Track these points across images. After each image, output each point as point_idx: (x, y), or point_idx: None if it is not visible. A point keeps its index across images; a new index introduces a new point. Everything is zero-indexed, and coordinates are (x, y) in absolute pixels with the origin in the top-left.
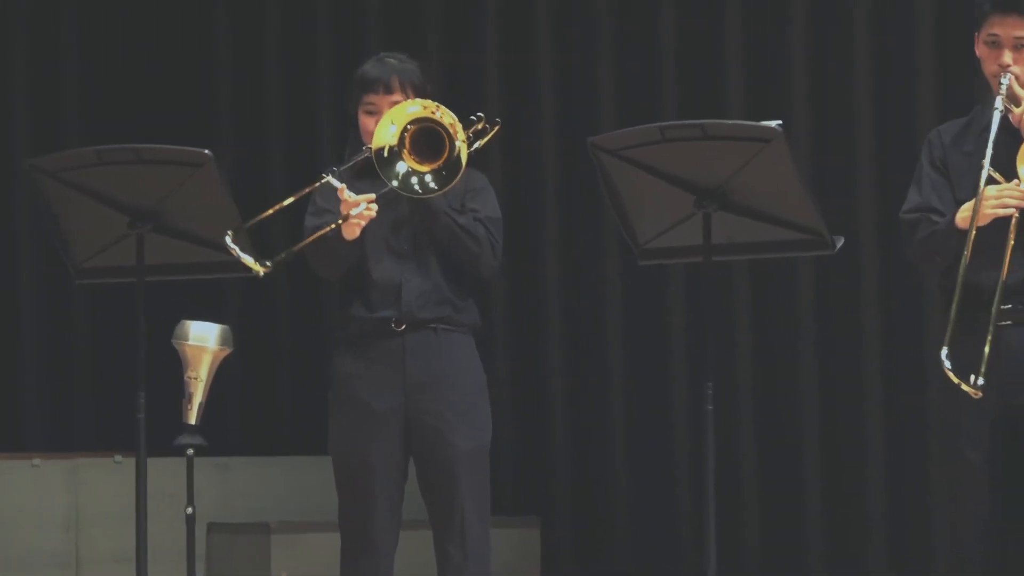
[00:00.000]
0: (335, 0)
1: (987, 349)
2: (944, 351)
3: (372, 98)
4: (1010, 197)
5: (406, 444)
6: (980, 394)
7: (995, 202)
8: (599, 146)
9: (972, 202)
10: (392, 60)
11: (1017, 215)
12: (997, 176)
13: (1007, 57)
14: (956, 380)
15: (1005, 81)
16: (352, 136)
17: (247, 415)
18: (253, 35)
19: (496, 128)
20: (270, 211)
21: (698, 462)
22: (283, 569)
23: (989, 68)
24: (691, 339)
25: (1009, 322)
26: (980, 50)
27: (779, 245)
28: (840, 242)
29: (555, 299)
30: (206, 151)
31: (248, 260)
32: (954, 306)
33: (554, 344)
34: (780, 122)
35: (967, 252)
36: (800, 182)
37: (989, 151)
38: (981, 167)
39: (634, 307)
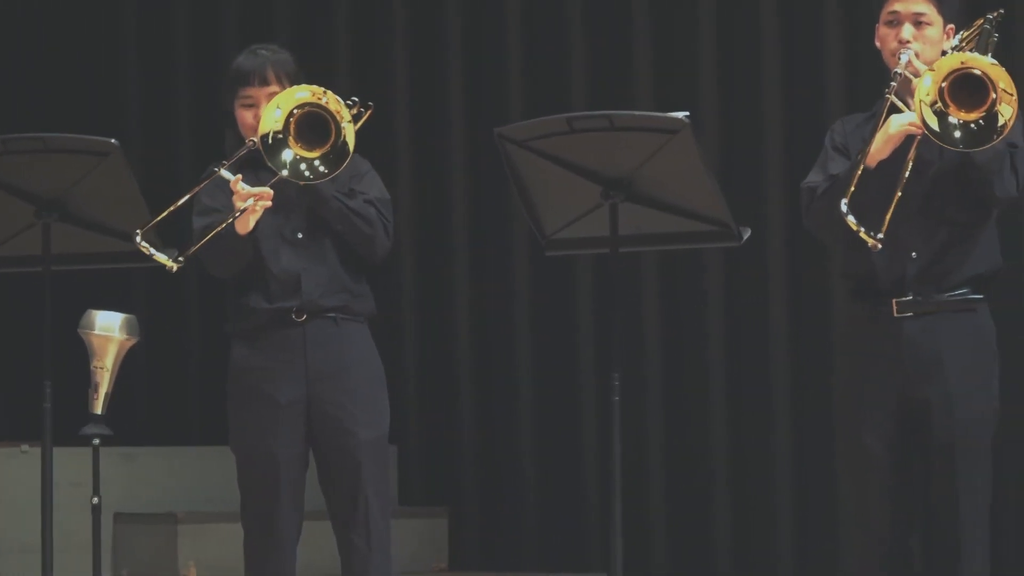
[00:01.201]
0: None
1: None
2: (844, 203)
3: (249, 91)
4: (912, 124)
5: (308, 435)
6: (880, 246)
7: (901, 122)
8: (506, 136)
9: (880, 137)
10: (265, 51)
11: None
12: (901, 106)
13: (906, 32)
14: (856, 227)
15: (905, 57)
16: (230, 131)
17: (153, 405)
18: (161, 31)
19: (369, 111)
20: (169, 209)
21: (605, 453)
22: (190, 559)
23: (889, 46)
24: (598, 330)
25: (910, 314)
26: (881, 31)
27: (686, 236)
28: (747, 233)
29: (463, 290)
30: (112, 140)
31: (161, 257)
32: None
33: (462, 335)
34: (687, 113)
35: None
36: (707, 173)
37: (893, 84)
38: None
39: (541, 298)
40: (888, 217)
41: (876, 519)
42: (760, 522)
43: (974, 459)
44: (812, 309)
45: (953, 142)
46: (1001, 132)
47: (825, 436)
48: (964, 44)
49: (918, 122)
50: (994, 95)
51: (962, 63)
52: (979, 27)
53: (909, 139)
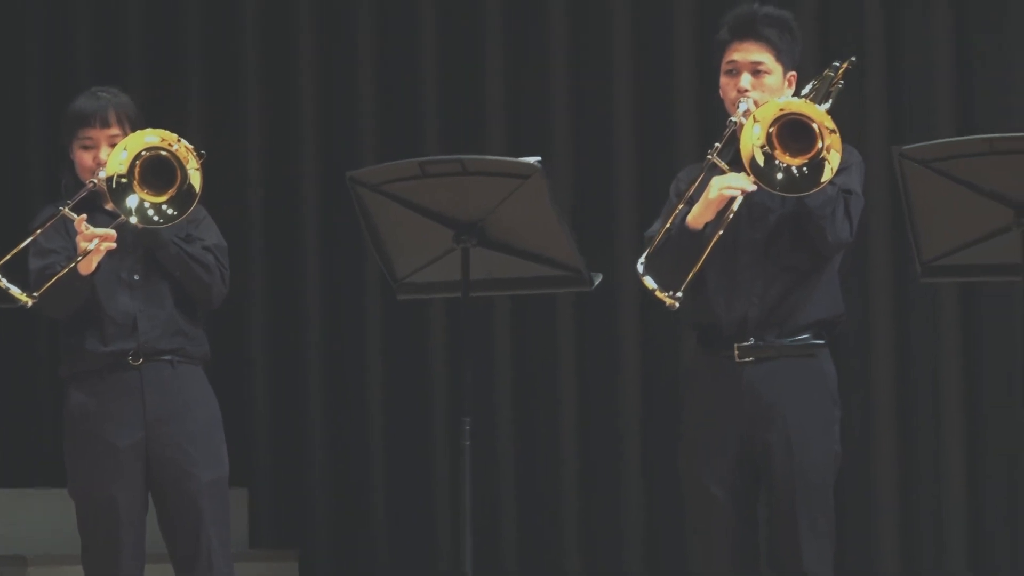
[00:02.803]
0: (94, 27)
1: None
2: (640, 263)
3: (89, 132)
4: (735, 181)
5: (147, 478)
6: (678, 304)
7: (720, 186)
8: (358, 180)
9: (702, 201)
10: (106, 94)
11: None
12: (723, 166)
13: (744, 81)
14: (651, 287)
15: (743, 106)
16: (67, 172)
17: (2, 445)
18: (13, 68)
19: (202, 159)
20: (17, 249)
21: (457, 496)
22: None
23: (729, 96)
24: (451, 374)
25: (751, 359)
26: (722, 81)
27: (538, 281)
28: (598, 279)
29: (315, 333)
30: None
31: (15, 291)
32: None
33: (314, 377)
34: (539, 158)
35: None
36: (559, 218)
37: (717, 145)
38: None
39: (394, 341)
40: (689, 278)
41: (720, 562)
42: (609, 565)
43: (816, 503)
44: (662, 354)
45: (773, 184)
46: (819, 182)
47: (674, 480)
48: (811, 92)
49: (737, 184)
50: (821, 143)
51: (781, 109)
52: (824, 75)
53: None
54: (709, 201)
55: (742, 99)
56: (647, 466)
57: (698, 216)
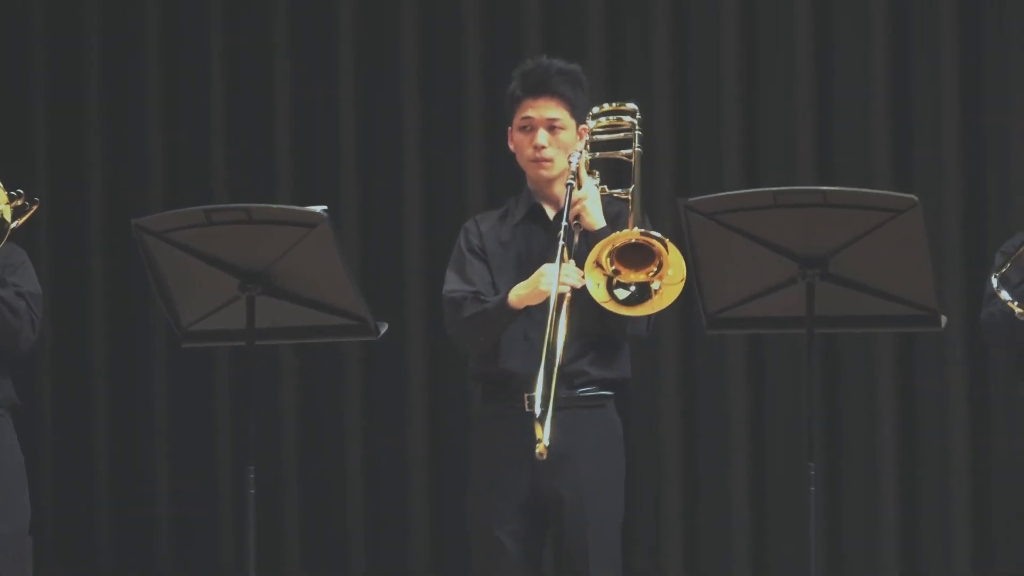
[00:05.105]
0: None
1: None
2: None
3: None
4: (567, 276)
5: None
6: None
7: (548, 280)
8: (143, 228)
9: (526, 283)
10: None
11: (569, 294)
12: (564, 255)
13: (541, 138)
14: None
15: (575, 160)
16: None
17: None
18: None
19: (35, 207)
20: None
21: (242, 547)
22: None
23: (524, 153)
24: (235, 422)
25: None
26: (515, 138)
27: (324, 330)
28: (384, 328)
29: (101, 380)
30: None
31: None
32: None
33: (99, 426)
34: (325, 208)
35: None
36: (344, 268)
37: (564, 223)
38: (519, 256)
39: (179, 389)
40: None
41: None
42: None
43: (605, 549)
44: (450, 403)
45: (601, 297)
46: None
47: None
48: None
49: (569, 281)
50: (656, 268)
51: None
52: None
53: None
54: (538, 292)
55: (572, 153)
56: (435, 514)
57: (523, 298)
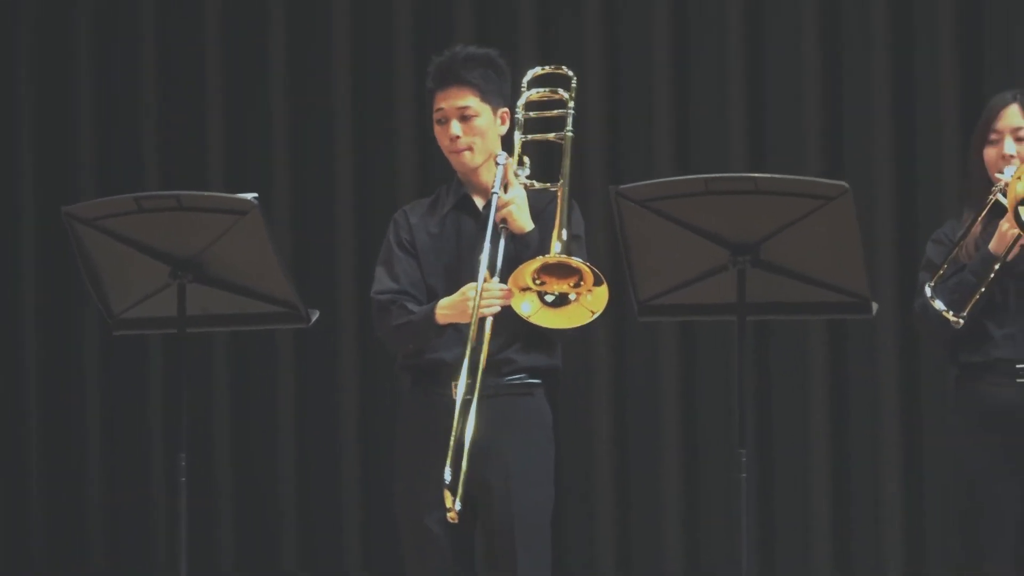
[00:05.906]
0: None
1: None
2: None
3: None
4: (493, 297)
5: None
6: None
7: (476, 302)
8: (73, 215)
9: (452, 301)
10: None
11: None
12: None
13: (454, 128)
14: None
15: (501, 162)
16: None
17: None
18: None
19: None
20: None
21: (174, 533)
22: None
23: (443, 144)
24: (167, 410)
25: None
26: (436, 130)
27: (255, 318)
28: (315, 315)
29: (34, 372)
30: None
31: None
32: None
33: (31, 420)
34: (256, 195)
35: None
36: (275, 255)
37: (487, 247)
38: (449, 247)
39: (112, 377)
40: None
41: None
42: None
43: (533, 538)
44: (382, 390)
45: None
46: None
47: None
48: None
49: (487, 308)
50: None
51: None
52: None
53: None
54: (464, 313)
55: (497, 156)
56: (366, 503)
57: (447, 316)
